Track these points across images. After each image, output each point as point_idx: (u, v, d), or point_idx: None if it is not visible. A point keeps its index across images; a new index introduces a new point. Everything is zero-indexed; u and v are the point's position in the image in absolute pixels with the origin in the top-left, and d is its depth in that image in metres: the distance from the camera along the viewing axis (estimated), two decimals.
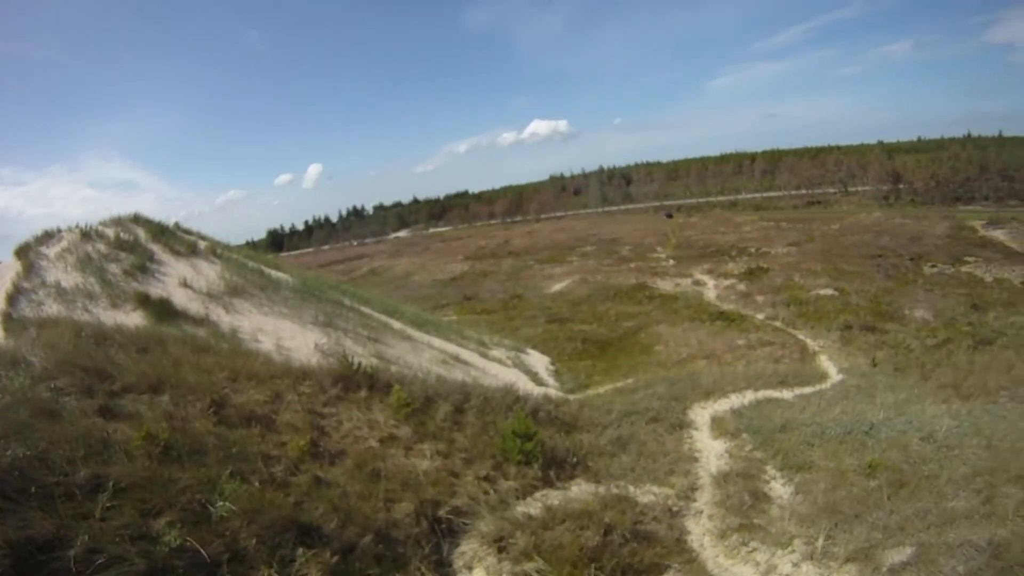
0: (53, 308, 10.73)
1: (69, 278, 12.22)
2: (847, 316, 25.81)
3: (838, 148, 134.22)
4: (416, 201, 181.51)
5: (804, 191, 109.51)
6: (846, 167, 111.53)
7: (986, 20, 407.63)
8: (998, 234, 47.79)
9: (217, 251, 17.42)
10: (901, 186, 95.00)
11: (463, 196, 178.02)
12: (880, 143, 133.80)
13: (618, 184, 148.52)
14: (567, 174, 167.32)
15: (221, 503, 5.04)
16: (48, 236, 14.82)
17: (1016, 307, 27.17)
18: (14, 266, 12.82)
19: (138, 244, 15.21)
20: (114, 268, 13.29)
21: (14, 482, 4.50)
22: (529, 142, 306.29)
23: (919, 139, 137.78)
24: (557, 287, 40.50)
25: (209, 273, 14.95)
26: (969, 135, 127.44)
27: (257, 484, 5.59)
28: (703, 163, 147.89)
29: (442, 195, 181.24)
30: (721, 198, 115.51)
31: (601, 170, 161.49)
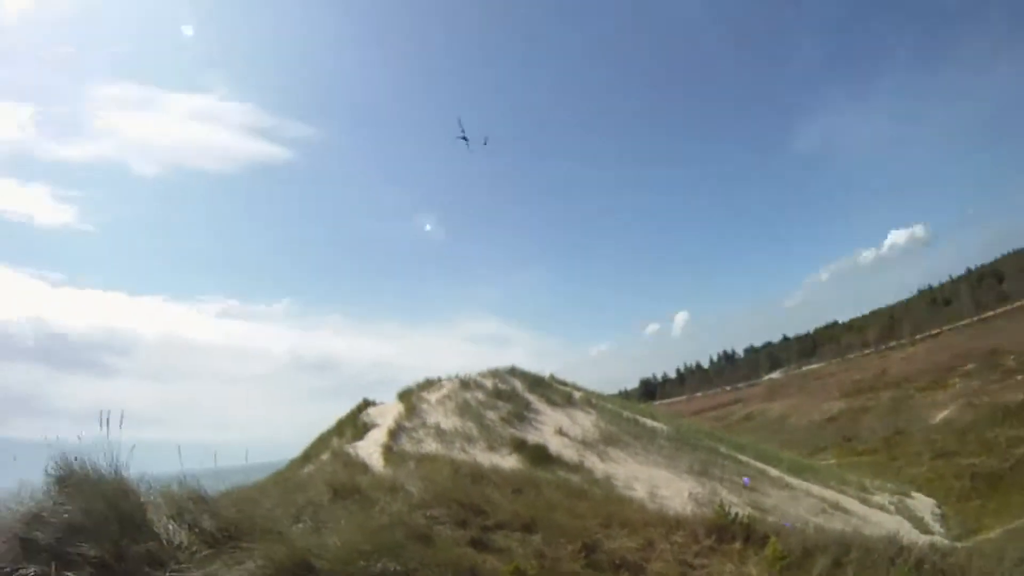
0: (432, 446, 12.10)
1: (448, 421, 13.87)
2: None
3: None
4: (786, 339, 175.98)
5: None
6: None
7: None
8: None
9: (592, 401, 18.39)
10: None
11: (832, 327, 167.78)
12: None
13: (989, 284, 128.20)
14: (935, 284, 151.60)
15: None
16: (429, 383, 17.62)
17: None
18: (396, 407, 15.06)
19: (515, 393, 16.82)
20: (491, 414, 14.69)
21: None
22: (889, 256, 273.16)
23: None
24: (940, 416, 38.15)
25: (584, 422, 15.76)
26: None
27: None
28: None
29: (811, 329, 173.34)
30: None
31: (969, 272, 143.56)
